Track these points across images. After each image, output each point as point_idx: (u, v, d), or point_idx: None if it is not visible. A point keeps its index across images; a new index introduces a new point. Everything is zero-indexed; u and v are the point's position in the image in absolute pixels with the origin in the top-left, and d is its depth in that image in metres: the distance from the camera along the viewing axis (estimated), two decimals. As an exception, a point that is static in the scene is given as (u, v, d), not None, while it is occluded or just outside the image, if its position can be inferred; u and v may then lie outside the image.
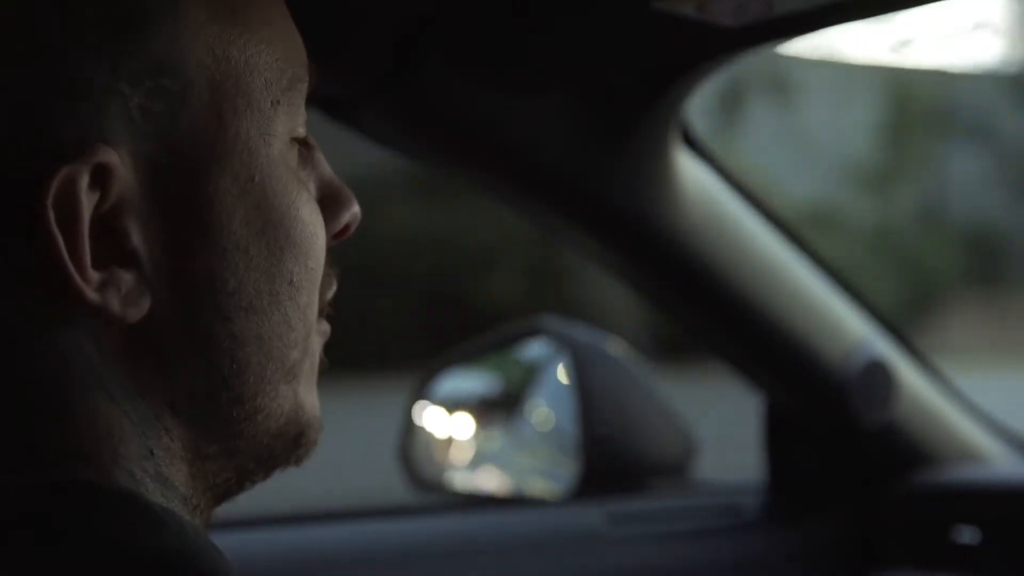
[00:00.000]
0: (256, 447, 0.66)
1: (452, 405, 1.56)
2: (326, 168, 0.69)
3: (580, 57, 1.08)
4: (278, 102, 0.64)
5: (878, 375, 1.45)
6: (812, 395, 1.46)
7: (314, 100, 1.13)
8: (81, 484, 0.59)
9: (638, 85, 1.15)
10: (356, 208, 0.70)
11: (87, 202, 0.58)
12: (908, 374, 1.49)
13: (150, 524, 0.58)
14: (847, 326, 1.45)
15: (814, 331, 1.42)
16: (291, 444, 0.67)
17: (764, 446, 1.55)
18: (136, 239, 0.60)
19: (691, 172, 1.29)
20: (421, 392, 1.56)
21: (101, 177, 0.58)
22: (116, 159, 0.59)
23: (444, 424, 1.56)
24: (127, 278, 0.60)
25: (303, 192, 0.65)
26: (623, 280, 1.40)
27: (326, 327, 0.69)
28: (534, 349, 1.53)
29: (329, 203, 0.68)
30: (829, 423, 1.49)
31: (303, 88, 0.66)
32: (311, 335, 0.67)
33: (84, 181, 0.58)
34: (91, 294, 0.59)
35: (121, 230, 0.60)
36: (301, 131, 0.67)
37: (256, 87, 0.63)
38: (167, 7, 0.60)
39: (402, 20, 1.03)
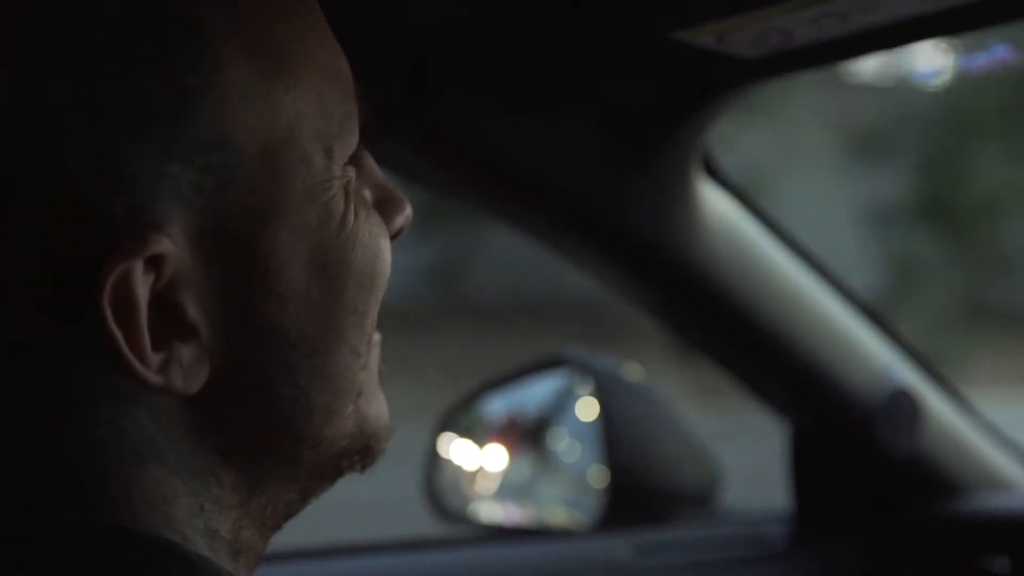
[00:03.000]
0: (319, 469, 0.65)
1: (477, 436, 1.56)
2: (377, 172, 0.67)
3: (600, 84, 1.08)
4: (331, 148, 0.63)
5: (903, 403, 1.44)
6: (837, 423, 1.45)
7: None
8: (117, 529, 0.59)
9: (658, 113, 1.16)
10: (408, 210, 0.68)
11: (143, 290, 0.58)
12: (934, 402, 1.49)
13: (184, 570, 0.58)
14: (872, 354, 1.45)
15: (839, 359, 1.41)
16: (357, 457, 0.67)
17: (789, 474, 1.55)
18: (193, 312, 0.59)
19: (713, 200, 1.29)
20: (446, 423, 1.57)
21: (155, 262, 0.58)
22: (170, 245, 0.58)
23: (469, 455, 1.56)
24: (187, 352, 0.59)
25: (361, 211, 0.64)
26: (644, 308, 1.40)
27: (378, 337, 0.67)
28: (558, 379, 1.53)
29: (384, 208, 0.67)
30: (855, 451, 1.48)
31: (355, 121, 0.65)
32: (372, 348, 0.66)
33: (139, 271, 0.57)
34: (152, 377, 0.58)
35: (178, 305, 0.59)
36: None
37: (307, 140, 0.62)
38: (212, 77, 0.59)
39: (419, 45, 1.03)
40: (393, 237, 0.67)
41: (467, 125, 1.13)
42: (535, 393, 1.55)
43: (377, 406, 0.67)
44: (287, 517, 0.66)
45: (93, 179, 0.57)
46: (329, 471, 0.66)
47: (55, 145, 0.57)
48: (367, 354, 0.65)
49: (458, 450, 1.56)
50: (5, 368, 0.59)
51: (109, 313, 0.57)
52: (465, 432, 1.56)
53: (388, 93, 1.09)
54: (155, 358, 0.59)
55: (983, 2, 0.89)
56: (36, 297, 0.58)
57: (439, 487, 1.56)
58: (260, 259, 0.60)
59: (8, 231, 0.58)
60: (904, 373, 1.46)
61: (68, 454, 0.59)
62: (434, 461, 1.56)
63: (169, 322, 0.59)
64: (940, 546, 1.50)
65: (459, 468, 1.57)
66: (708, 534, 1.49)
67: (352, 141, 0.64)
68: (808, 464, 1.54)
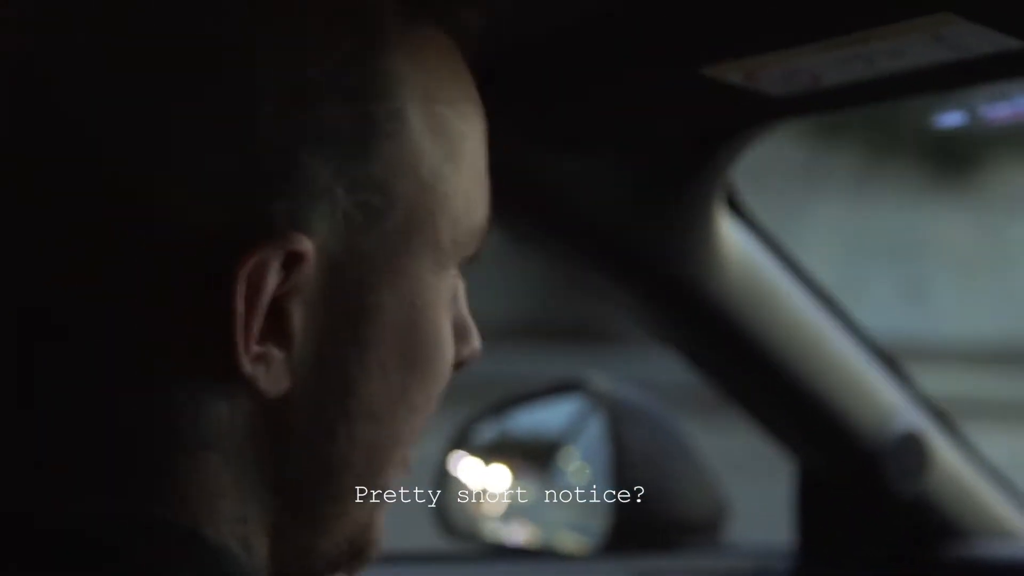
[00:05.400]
0: (333, 547, 0.68)
1: (487, 455, 1.58)
2: (463, 302, 0.71)
3: (628, 116, 1.10)
4: (457, 243, 0.66)
5: (911, 446, 1.45)
6: (845, 462, 1.46)
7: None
8: (151, 517, 0.61)
9: (685, 148, 1.17)
10: (477, 346, 0.72)
11: (272, 282, 0.60)
12: (941, 447, 1.50)
13: (210, 562, 0.61)
14: (883, 396, 1.46)
15: (850, 399, 1.43)
16: (356, 554, 0.69)
17: (795, 510, 1.56)
18: (297, 325, 0.62)
19: (734, 236, 1.30)
20: (458, 441, 1.58)
21: (289, 264, 0.61)
22: (311, 250, 0.61)
23: (479, 474, 1.57)
24: (279, 357, 0.62)
25: (447, 322, 0.68)
26: (661, 339, 1.41)
27: (408, 457, 0.70)
28: (571, 404, 1.54)
29: (457, 337, 0.70)
30: (861, 492, 1.49)
31: (481, 232, 0.69)
32: (406, 456, 0.69)
33: (277, 264, 0.60)
34: (247, 366, 0.61)
35: (287, 313, 0.62)
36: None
37: (445, 224, 0.65)
38: (398, 129, 0.63)
39: None
40: (457, 367, 0.70)
41: (495, 150, 1.14)
42: (549, 415, 1.56)
43: (382, 520, 0.70)
44: None
45: (268, 174, 0.60)
46: (334, 557, 0.68)
47: (244, 138, 0.60)
48: (404, 455, 0.68)
49: (468, 468, 1.58)
50: (101, 328, 0.61)
51: (242, 288, 0.60)
52: (476, 451, 1.58)
53: None
54: (255, 350, 0.61)
55: (1013, 53, 0.90)
56: (163, 269, 0.60)
57: (447, 504, 1.57)
58: (363, 313, 0.64)
59: (161, 197, 0.60)
60: (913, 416, 1.47)
61: (142, 426, 0.61)
62: (443, 478, 1.57)
63: (275, 324, 0.62)
64: (941, 591, 1.51)
65: (468, 486, 1.58)
66: (711, 565, 1.50)
67: (471, 249, 0.68)
68: (814, 502, 1.55)
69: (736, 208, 1.32)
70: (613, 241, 1.25)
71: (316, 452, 0.65)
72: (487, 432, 1.58)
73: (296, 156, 0.60)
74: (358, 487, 0.66)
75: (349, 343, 0.64)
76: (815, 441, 1.47)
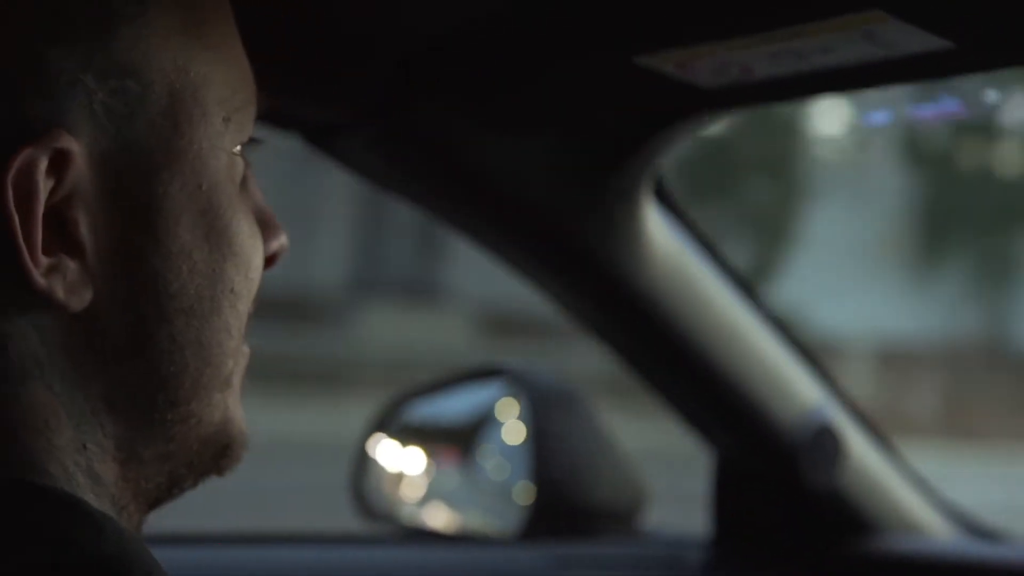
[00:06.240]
0: (187, 452, 0.67)
1: (407, 439, 1.58)
2: (259, 194, 0.71)
3: (566, 102, 1.10)
4: (229, 119, 0.66)
5: (827, 440, 1.47)
6: (762, 454, 1.48)
7: (295, 124, 1.17)
8: (21, 484, 0.59)
9: (618, 135, 1.18)
10: (284, 239, 0.72)
11: (44, 185, 0.59)
12: (857, 442, 1.52)
13: (89, 528, 0.59)
14: (801, 389, 1.47)
15: (768, 391, 1.44)
16: (219, 453, 0.69)
17: (712, 500, 1.57)
18: (84, 230, 0.61)
19: (660, 225, 1.31)
20: (378, 424, 1.58)
21: (58, 164, 0.60)
22: (76, 147, 0.60)
23: (398, 457, 1.57)
24: (72, 267, 0.61)
25: (243, 206, 0.67)
26: (583, 325, 1.42)
27: (247, 350, 0.70)
28: (492, 389, 1.54)
29: (262, 227, 0.70)
30: (776, 483, 1.51)
31: (251, 111, 0.68)
32: (242, 347, 0.69)
33: (43, 165, 0.59)
34: (39, 279, 0.60)
35: (71, 220, 0.61)
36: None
37: (211, 101, 0.65)
38: (139, 12, 0.62)
39: (395, 51, 1.05)
40: (268, 263, 0.70)
41: (434, 130, 1.14)
42: (468, 401, 1.56)
43: (240, 412, 0.69)
44: (157, 501, 0.68)
45: (14, 70, 0.59)
46: (196, 460, 0.68)
47: None
48: (239, 344, 0.67)
49: (387, 452, 1.57)
50: None
51: (11, 194, 0.59)
52: (396, 434, 1.57)
53: (362, 96, 1.11)
54: (44, 260, 0.60)
55: (941, 53, 0.91)
56: None
57: (366, 486, 1.57)
58: (152, 205, 0.63)
59: None
60: (830, 410, 1.49)
61: None
62: (362, 461, 1.57)
63: (60, 234, 0.61)
64: (851, 583, 1.53)
65: (387, 469, 1.58)
66: (628, 553, 1.51)
67: (247, 129, 0.68)
68: (730, 492, 1.56)
69: (663, 199, 1.33)
70: (540, 226, 1.25)
71: (142, 360, 0.64)
72: (408, 416, 1.58)
73: (33, 48, 0.60)
74: (198, 386, 0.65)
75: (145, 238, 0.63)
76: (733, 432, 1.49)
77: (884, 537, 1.54)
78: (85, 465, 0.62)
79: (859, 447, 1.52)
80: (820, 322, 11.05)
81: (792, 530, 1.55)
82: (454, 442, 1.56)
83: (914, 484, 1.59)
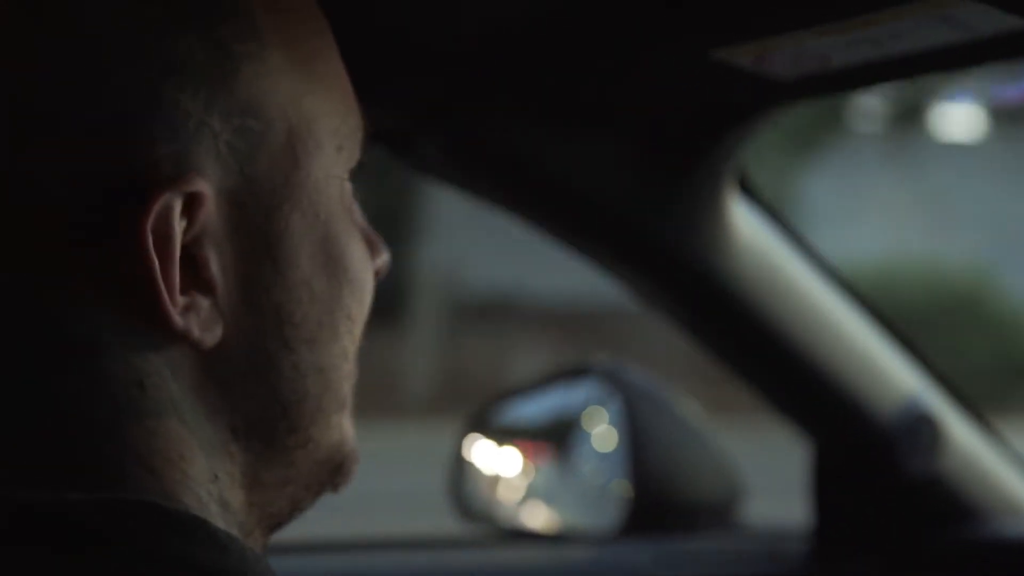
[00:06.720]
0: (306, 475, 0.68)
1: (504, 440, 1.58)
2: (360, 214, 0.72)
3: (638, 100, 1.10)
4: (342, 147, 0.68)
5: (925, 428, 1.45)
6: (860, 444, 1.46)
7: (378, 136, 1.18)
8: (148, 505, 0.60)
9: (694, 130, 1.17)
10: (387, 255, 0.73)
11: (179, 229, 0.61)
12: (957, 427, 1.50)
13: (214, 547, 0.60)
14: (898, 377, 1.46)
15: (864, 379, 1.43)
16: (335, 471, 0.70)
17: (811, 493, 1.56)
18: (214, 268, 0.63)
19: (745, 218, 1.31)
20: (474, 425, 1.59)
21: (191, 206, 0.61)
22: (207, 189, 0.62)
23: (496, 458, 1.58)
24: (205, 304, 0.63)
25: (355, 231, 0.69)
26: (674, 322, 1.42)
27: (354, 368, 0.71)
28: (586, 388, 1.55)
29: (368, 246, 0.71)
30: (875, 473, 1.49)
31: (359, 137, 0.70)
32: (351, 376, 0.70)
33: (178, 208, 0.61)
34: (178, 319, 0.61)
35: (201, 258, 0.62)
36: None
37: (324, 132, 0.66)
38: (255, 49, 0.64)
39: (465, 51, 1.06)
40: (375, 277, 0.71)
41: (503, 133, 1.15)
42: (564, 400, 1.57)
43: (352, 430, 0.71)
44: (278, 524, 0.69)
45: (147, 115, 0.61)
46: (314, 481, 0.69)
47: (111, 76, 0.61)
48: (352, 367, 0.69)
49: (484, 453, 1.58)
50: (16, 296, 0.61)
51: (150, 239, 0.60)
52: (492, 435, 1.58)
53: (428, 96, 1.12)
54: (181, 300, 0.62)
55: (1019, 33, 0.90)
56: (64, 231, 0.61)
57: (464, 488, 1.58)
58: (274, 237, 0.64)
59: (45, 160, 0.60)
60: (928, 397, 1.47)
61: (87, 396, 0.61)
62: (460, 463, 1.58)
63: (192, 273, 0.62)
64: (958, 571, 1.51)
65: (484, 470, 1.59)
66: (727, 548, 1.51)
67: (355, 156, 0.69)
68: (829, 483, 1.55)
69: (747, 191, 1.32)
70: (624, 222, 1.25)
71: (266, 390, 0.65)
72: (501, 416, 1.58)
73: (163, 93, 0.61)
74: (318, 411, 0.67)
75: (269, 271, 0.64)
76: (830, 423, 1.47)
77: (989, 522, 1.52)
78: (217, 494, 0.64)
79: (959, 432, 1.50)
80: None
81: (893, 519, 1.53)
82: (550, 441, 1.56)
83: (1018, 467, 1.56)
